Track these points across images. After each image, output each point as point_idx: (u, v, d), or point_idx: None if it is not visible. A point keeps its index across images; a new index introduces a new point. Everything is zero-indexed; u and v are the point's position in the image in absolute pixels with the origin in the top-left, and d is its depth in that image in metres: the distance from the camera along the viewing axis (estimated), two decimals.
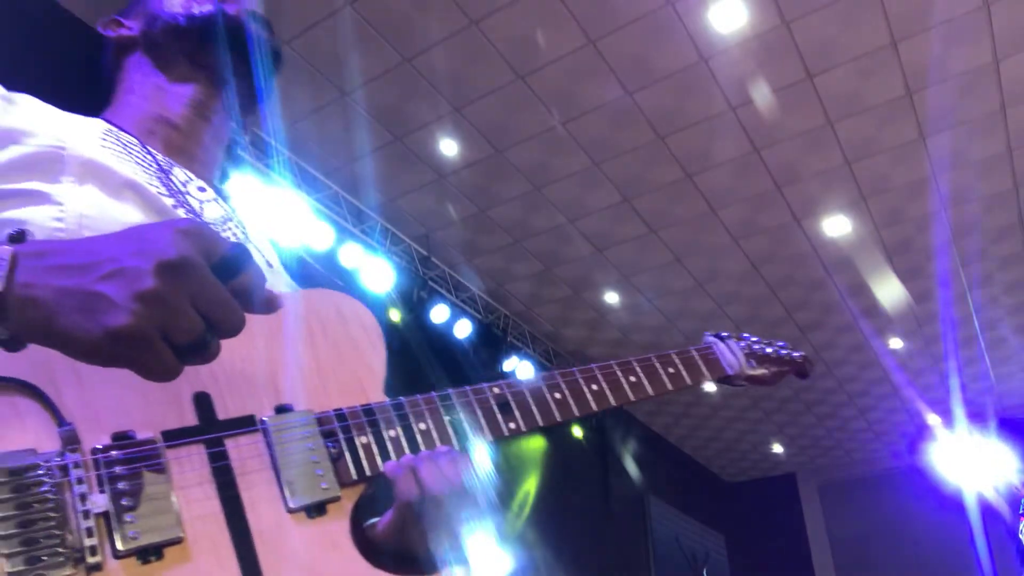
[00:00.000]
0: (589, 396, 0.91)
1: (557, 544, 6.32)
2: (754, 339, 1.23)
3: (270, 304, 0.62)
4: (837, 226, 5.76)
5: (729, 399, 8.47)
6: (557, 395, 0.88)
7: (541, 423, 0.85)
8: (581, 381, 0.91)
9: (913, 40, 4.27)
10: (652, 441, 9.02)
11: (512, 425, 0.82)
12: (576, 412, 0.89)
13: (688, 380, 1.05)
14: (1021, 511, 3.00)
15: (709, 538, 9.73)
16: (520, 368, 6.52)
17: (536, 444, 6.68)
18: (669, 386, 1.01)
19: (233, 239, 0.90)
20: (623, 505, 8.18)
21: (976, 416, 8.62)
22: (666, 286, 6.52)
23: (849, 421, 8.90)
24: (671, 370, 1.03)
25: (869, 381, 8.01)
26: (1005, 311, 6.79)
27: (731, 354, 1.14)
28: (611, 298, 6.71)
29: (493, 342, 6.36)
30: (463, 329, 5.94)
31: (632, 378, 0.97)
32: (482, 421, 0.81)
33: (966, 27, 4.18)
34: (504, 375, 6.34)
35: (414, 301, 5.61)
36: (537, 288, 6.57)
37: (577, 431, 7.26)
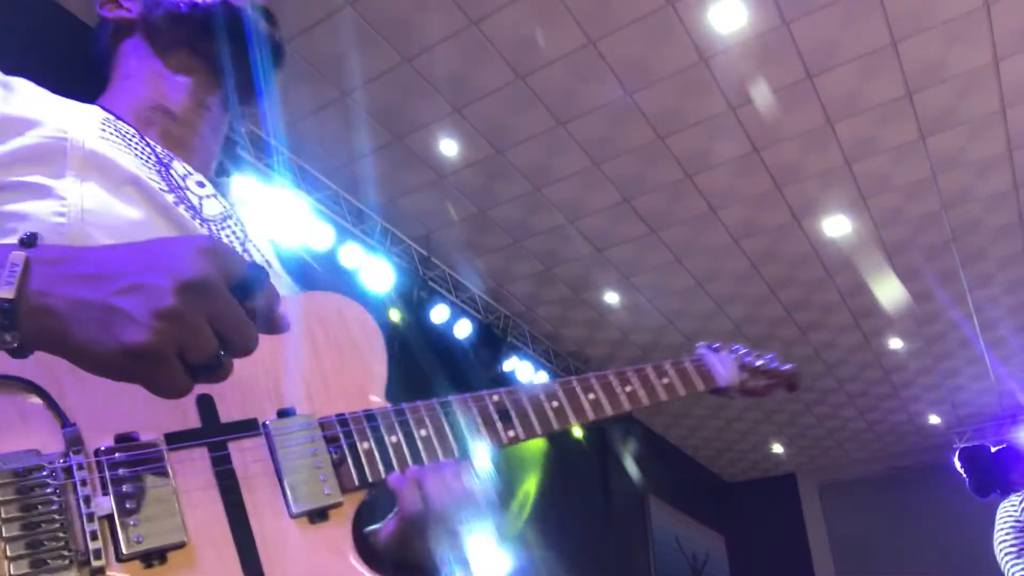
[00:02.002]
0: (586, 405, 0.92)
1: (557, 544, 6.32)
2: (744, 351, 1.23)
3: (282, 324, 0.62)
4: (837, 226, 5.76)
5: (728, 399, 8.45)
6: (554, 404, 0.88)
7: (539, 432, 0.85)
8: (579, 390, 0.92)
9: (913, 40, 4.27)
10: (652, 441, 9.02)
11: (511, 433, 0.83)
12: (573, 420, 0.89)
13: (682, 391, 1.06)
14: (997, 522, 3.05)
15: (709, 538, 9.73)
16: (520, 368, 6.52)
17: (536, 444, 6.67)
18: (663, 396, 1.02)
19: (233, 238, 0.89)
20: (623, 505, 8.18)
21: (976, 416, 8.62)
22: (666, 286, 6.52)
23: (849, 421, 8.89)
24: (665, 380, 1.04)
25: (869, 381, 8.01)
26: (1005, 311, 6.79)
27: (722, 366, 1.15)
28: (611, 298, 6.71)
29: (493, 342, 6.36)
30: (463, 329, 5.94)
31: (628, 388, 0.97)
32: (482, 429, 0.81)
33: (966, 27, 4.18)
34: (504, 375, 6.34)
35: (414, 301, 5.61)
36: (537, 288, 6.57)
37: (577, 431, 7.26)
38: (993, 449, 3.16)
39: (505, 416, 0.84)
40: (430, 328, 5.64)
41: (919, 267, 6.18)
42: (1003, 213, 5.62)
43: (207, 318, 0.53)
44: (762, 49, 4.33)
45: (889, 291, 6.42)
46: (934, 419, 8.81)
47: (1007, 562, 2.82)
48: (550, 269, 6.32)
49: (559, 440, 7.02)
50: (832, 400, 8.39)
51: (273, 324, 0.61)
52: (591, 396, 0.92)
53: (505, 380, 6.32)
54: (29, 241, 0.55)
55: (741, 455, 10.00)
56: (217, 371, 0.55)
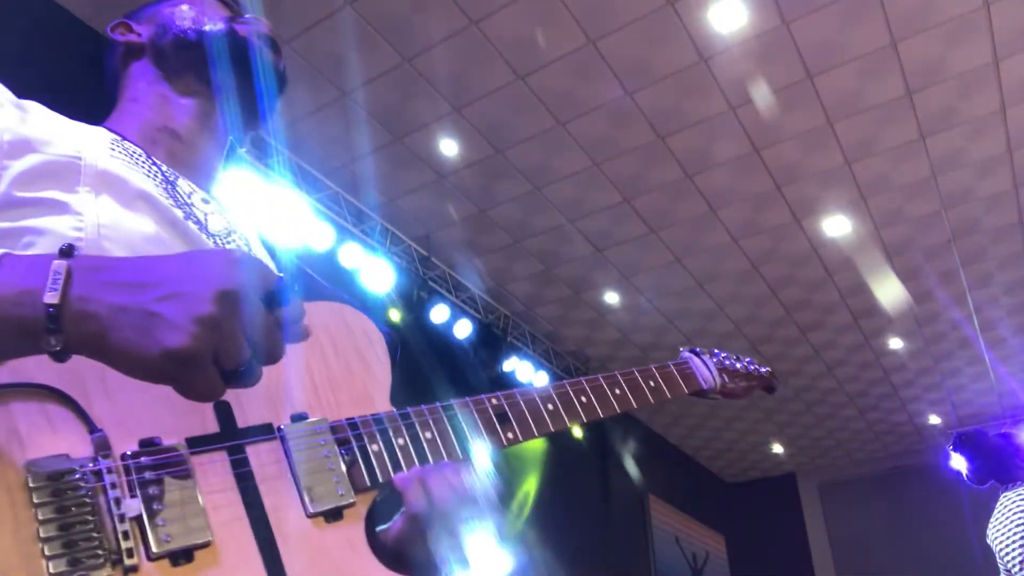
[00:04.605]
0: (579, 407, 0.96)
1: (557, 544, 6.32)
2: (724, 354, 1.29)
3: (304, 334, 0.65)
4: (837, 226, 5.76)
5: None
6: (550, 406, 0.93)
7: (536, 433, 0.90)
8: (572, 393, 0.97)
9: (913, 40, 4.27)
10: (652, 441, 9.02)
11: (510, 435, 0.87)
12: (567, 422, 0.94)
13: (668, 394, 1.11)
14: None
15: (709, 538, 9.73)
16: (520, 368, 6.52)
17: (536, 444, 6.68)
18: (651, 399, 1.08)
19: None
20: (623, 505, 8.18)
21: (976, 416, 8.61)
22: (666, 286, 6.52)
23: (849, 421, 8.90)
24: (652, 384, 1.09)
25: (869, 381, 8.01)
26: (1005, 311, 6.79)
27: (706, 369, 1.21)
28: (611, 298, 6.72)
29: (493, 342, 6.35)
30: (463, 329, 5.95)
31: (617, 391, 1.02)
32: (483, 431, 0.85)
33: (966, 27, 4.19)
34: (504, 375, 6.34)
35: (414, 301, 5.61)
36: (537, 288, 6.57)
37: (577, 431, 7.26)
38: (991, 434, 3.09)
39: (504, 418, 0.88)
40: (430, 328, 5.64)
41: (919, 267, 6.18)
42: (1003, 213, 5.62)
43: (240, 325, 0.56)
44: (762, 49, 4.33)
45: (889, 291, 6.42)
46: (934, 419, 8.81)
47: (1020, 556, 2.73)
48: (550, 269, 6.32)
49: (559, 440, 7.02)
50: (832, 400, 8.39)
51: (298, 333, 0.64)
52: (583, 399, 0.97)
53: (505, 380, 6.32)
54: (67, 251, 0.57)
55: (741, 455, 10.00)
56: (247, 377, 0.58)
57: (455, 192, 5.43)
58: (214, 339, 0.55)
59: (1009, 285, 6.44)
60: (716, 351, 1.28)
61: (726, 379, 1.24)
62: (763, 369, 1.36)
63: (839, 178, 5.31)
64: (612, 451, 8.18)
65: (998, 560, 2.88)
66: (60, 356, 0.55)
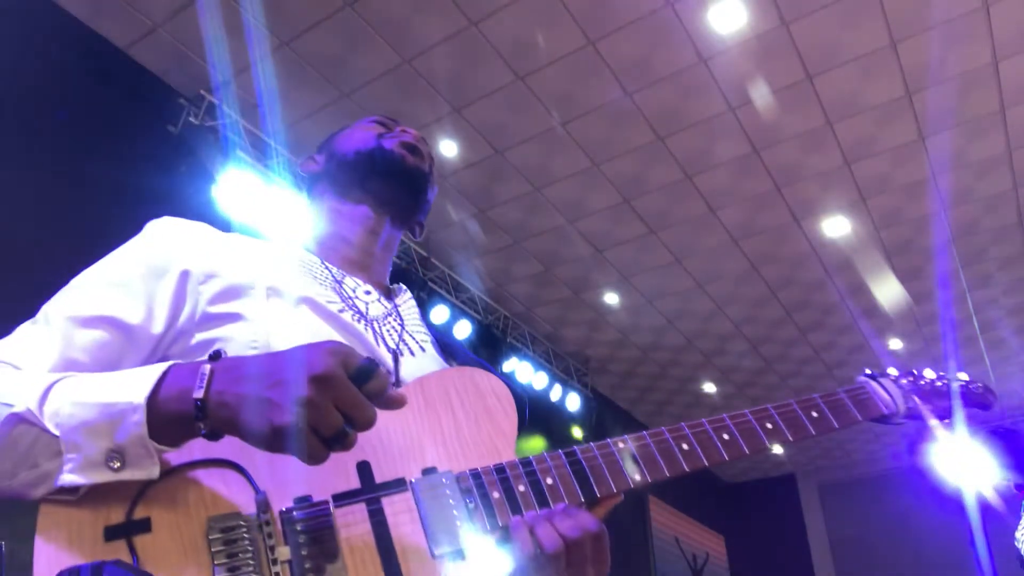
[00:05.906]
0: (719, 445, 0.95)
1: None
2: (918, 374, 1.20)
3: (397, 402, 0.77)
4: (837, 226, 5.76)
5: (729, 400, 8.47)
6: (684, 446, 0.93)
7: (667, 473, 0.91)
8: (710, 431, 0.95)
9: (913, 40, 4.27)
10: None
11: (637, 477, 0.91)
12: (705, 461, 0.93)
13: (835, 423, 1.04)
14: (1022, 513, 2.90)
15: (709, 538, 9.73)
16: (520, 369, 6.51)
17: (536, 445, 6.68)
18: (812, 431, 1.01)
19: (392, 331, 1.10)
20: (623, 505, 8.15)
21: (975, 416, 8.61)
22: (666, 286, 6.52)
23: None
24: (814, 414, 1.03)
25: None
26: (1005, 311, 6.79)
27: (886, 393, 1.13)
28: (611, 299, 6.71)
29: (493, 343, 6.35)
30: (463, 330, 5.94)
31: (769, 425, 0.99)
32: (606, 474, 0.90)
33: (966, 27, 4.19)
34: (504, 376, 6.34)
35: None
36: (537, 289, 6.57)
37: (577, 432, 7.26)
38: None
39: (632, 460, 0.92)
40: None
41: (919, 267, 6.18)
42: (1003, 213, 5.62)
43: (333, 401, 0.71)
44: (762, 49, 4.33)
45: (889, 291, 6.42)
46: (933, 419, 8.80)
47: None
48: (550, 269, 6.32)
49: (559, 442, 7.02)
50: None
51: (387, 402, 0.76)
52: (725, 436, 0.96)
53: (504, 381, 6.32)
54: (215, 356, 0.77)
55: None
56: (344, 441, 0.72)
57: (455, 192, 5.43)
58: (310, 414, 0.69)
59: (1009, 285, 6.44)
60: (912, 371, 1.20)
61: (916, 402, 1.15)
62: (972, 384, 1.23)
63: (839, 178, 5.31)
64: None
65: None
66: (211, 437, 0.74)
